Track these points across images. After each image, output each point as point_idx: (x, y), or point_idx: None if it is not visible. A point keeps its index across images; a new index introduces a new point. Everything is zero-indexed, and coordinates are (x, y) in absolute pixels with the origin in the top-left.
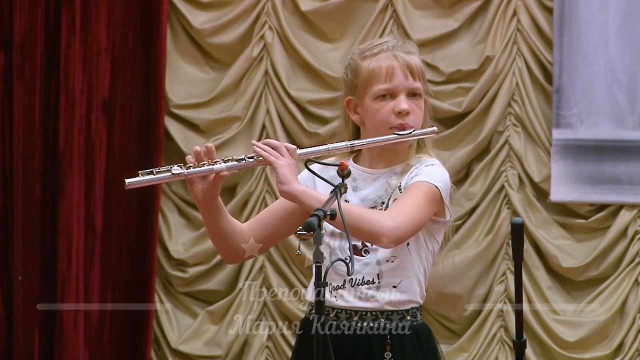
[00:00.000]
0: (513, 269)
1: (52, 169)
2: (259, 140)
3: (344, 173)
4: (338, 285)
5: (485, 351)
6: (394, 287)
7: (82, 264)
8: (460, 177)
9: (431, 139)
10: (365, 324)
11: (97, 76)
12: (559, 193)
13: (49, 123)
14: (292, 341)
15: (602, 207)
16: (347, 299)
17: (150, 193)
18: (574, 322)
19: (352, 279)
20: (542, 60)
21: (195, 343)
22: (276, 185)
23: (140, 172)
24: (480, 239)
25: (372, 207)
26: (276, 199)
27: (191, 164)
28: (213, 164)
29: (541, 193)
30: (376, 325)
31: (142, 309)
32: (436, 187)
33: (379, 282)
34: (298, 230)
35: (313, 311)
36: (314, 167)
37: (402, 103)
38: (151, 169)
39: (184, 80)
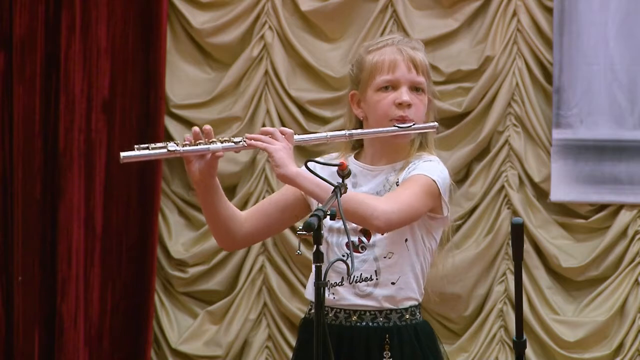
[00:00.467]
0: (513, 269)
1: (52, 169)
2: None
3: (344, 173)
4: (336, 283)
5: (485, 351)
6: (392, 283)
7: (82, 264)
8: (460, 177)
9: (434, 139)
10: (364, 323)
11: (97, 76)
12: (559, 193)
13: (49, 123)
14: (292, 341)
15: (602, 207)
16: (345, 296)
17: (150, 193)
18: (574, 322)
19: (350, 276)
20: (542, 60)
21: (195, 343)
22: (272, 169)
23: (136, 146)
24: (480, 239)
25: None
26: None
27: (187, 142)
28: (209, 144)
29: (541, 193)
30: (375, 324)
31: (142, 309)
32: (433, 180)
33: (377, 279)
34: (298, 230)
35: (312, 311)
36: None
37: (404, 95)
38: (147, 144)
39: (184, 80)
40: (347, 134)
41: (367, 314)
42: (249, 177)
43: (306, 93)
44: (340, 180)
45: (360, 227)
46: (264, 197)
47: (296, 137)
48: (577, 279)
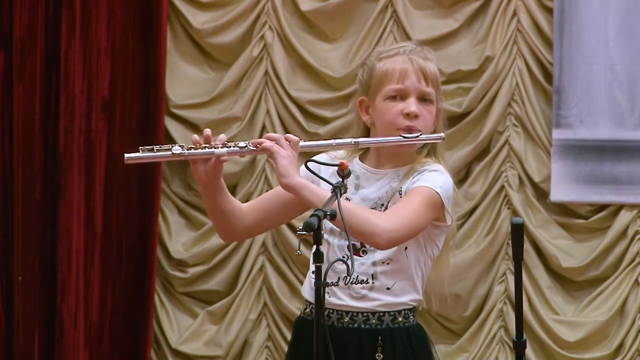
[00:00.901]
0: (513, 269)
1: (52, 169)
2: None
3: (344, 173)
4: (332, 282)
5: (485, 351)
6: (388, 288)
7: (82, 264)
8: (460, 177)
9: (443, 148)
10: (356, 325)
11: (97, 76)
12: (559, 193)
13: (49, 123)
14: None
15: (602, 207)
16: (339, 296)
17: (150, 193)
18: (574, 322)
19: (346, 277)
20: (542, 60)
21: (195, 343)
22: (277, 177)
23: (140, 147)
24: (480, 239)
25: (371, 208)
26: None
27: (193, 145)
28: (214, 147)
29: (541, 193)
30: (367, 326)
31: (142, 309)
32: (437, 192)
33: (372, 283)
34: (298, 230)
35: (307, 310)
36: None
37: (412, 105)
38: (152, 146)
39: (184, 80)
40: (353, 142)
41: (360, 315)
42: (249, 177)
43: (306, 93)
44: (340, 180)
45: None
46: None
47: (302, 144)
48: (577, 279)
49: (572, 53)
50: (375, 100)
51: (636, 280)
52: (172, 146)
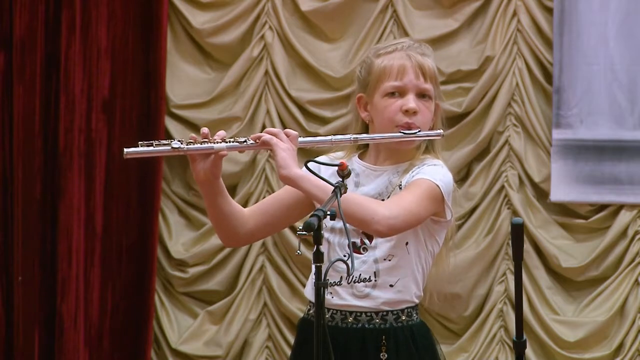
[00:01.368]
0: (513, 269)
1: (52, 169)
2: None
3: (344, 173)
4: (335, 282)
5: (485, 351)
6: (391, 285)
7: (82, 264)
8: (460, 177)
9: (440, 144)
10: (360, 325)
11: (97, 76)
12: (559, 193)
13: (49, 123)
14: (292, 341)
15: (602, 207)
16: (343, 296)
17: (150, 193)
18: (574, 322)
19: (349, 276)
20: (542, 60)
21: (195, 343)
22: (276, 169)
23: (140, 142)
24: (480, 239)
25: None
26: None
27: (192, 141)
28: (213, 143)
29: (541, 193)
30: (371, 326)
31: (142, 309)
32: (437, 185)
33: (375, 281)
34: (298, 230)
35: (311, 311)
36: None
37: (410, 102)
38: (151, 141)
39: (184, 80)
40: (352, 139)
41: (363, 315)
42: (249, 177)
43: (306, 93)
44: (340, 180)
45: None
46: (264, 197)
47: (300, 139)
48: (577, 279)
49: (572, 53)
50: (373, 97)
51: (636, 280)
52: (171, 141)
